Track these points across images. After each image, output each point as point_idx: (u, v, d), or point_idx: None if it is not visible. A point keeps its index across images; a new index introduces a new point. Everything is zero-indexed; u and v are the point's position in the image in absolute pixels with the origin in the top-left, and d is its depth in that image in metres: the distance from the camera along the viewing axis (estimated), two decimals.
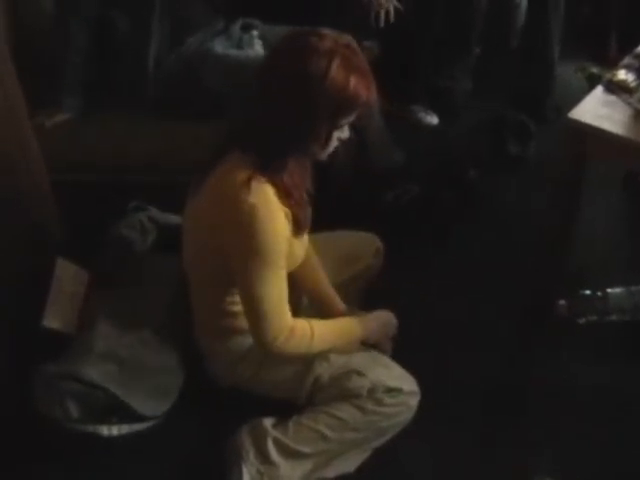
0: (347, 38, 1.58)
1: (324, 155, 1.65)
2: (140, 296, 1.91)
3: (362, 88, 1.53)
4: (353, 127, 1.67)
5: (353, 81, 1.51)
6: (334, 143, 1.62)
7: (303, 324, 1.72)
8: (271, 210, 1.57)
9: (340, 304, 1.97)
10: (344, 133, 1.63)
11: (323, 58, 1.49)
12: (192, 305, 1.85)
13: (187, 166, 2.33)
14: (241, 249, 1.59)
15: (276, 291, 1.63)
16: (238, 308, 1.74)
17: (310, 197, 1.75)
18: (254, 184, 1.54)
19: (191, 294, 1.84)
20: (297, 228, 1.68)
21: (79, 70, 2.45)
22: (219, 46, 2.48)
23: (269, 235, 1.56)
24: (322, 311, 1.95)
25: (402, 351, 1.92)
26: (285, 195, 1.62)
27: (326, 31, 1.56)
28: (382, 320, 1.93)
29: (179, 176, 2.35)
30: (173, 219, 2.10)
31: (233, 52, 2.49)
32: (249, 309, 1.66)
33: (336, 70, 1.49)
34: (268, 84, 1.56)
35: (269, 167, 1.58)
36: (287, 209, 1.63)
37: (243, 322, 1.75)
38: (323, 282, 1.96)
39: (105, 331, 1.83)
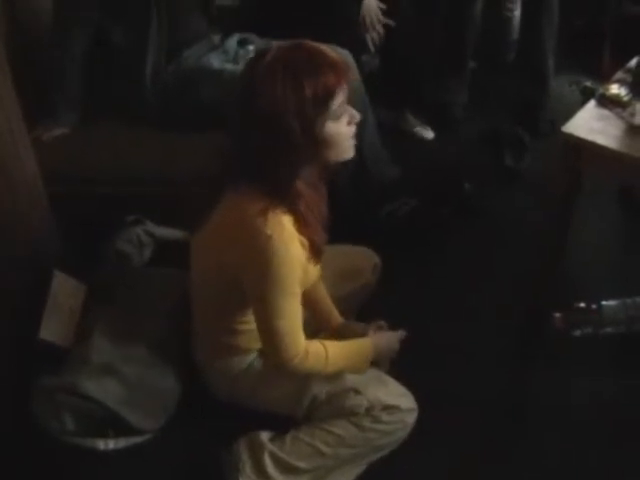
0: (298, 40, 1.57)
1: (345, 150, 1.63)
2: (137, 310, 1.91)
3: (321, 80, 1.49)
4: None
5: (307, 81, 1.48)
6: (345, 131, 1.59)
7: (317, 346, 1.72)
8: (287, 241, 1.56)
9: (338, 317, 1.98)
10: (347, 118, 1.59)
11: (266, 79, 1.48)
12: (194, 320, 1.85)
13: (185, 178, 2.38)
14: (257, 279, 1.60)
15: (292, 318, 1.63)
16: (243, 327, 1.75)
17: (326, 222, 1.74)
18: (271, 215, 1.53)
19: (195, 310, 1.84)
20: (314, 255, 1.68)
21: (76, 84, 2.46)
22: (215, 60, 2.50)
23: (285, 266, 1.56)
24: (320, 323, 1.96)
25: (398, 366, 1.92)
26: (303, 224, 1.61)
27: (274, 45, 1.55)
28: (391, 340, 1.92)
29: (177, 189, 2.40)
30: (170, 233, 2.11)
31: (229, 66, 2.50)
32: (265, 336, 1.67)
33: (282, 83, 1.47)
34: (240, 122, 1.57)
35: (283, 196, 1.56)
36: (304, 237, 1.62)
37: (246, 340, 1.76)
38: (323, 294, 1.96)
39: (102, 345, 1.83)
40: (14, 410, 1.84)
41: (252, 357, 1.80)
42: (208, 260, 1.71)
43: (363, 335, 1.89)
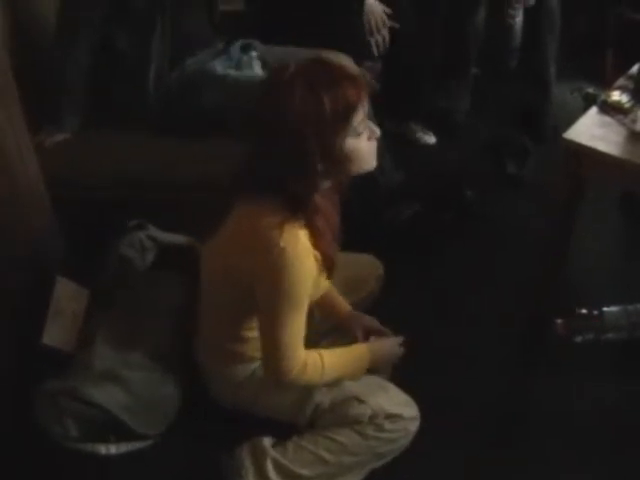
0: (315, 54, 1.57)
1: (367, 163, 1.63)
2: (139, 314, 1.91)
3: (341, 96, 1.49)
4: None
5: (327, 97, 1.48)
6: (365, 147, 1.59)
7: (314, 357, 1.72)
8: (301, 254, 1.55)
9: (346, 306, 1.99)
10: (367, 134, 1.58)
11: (286, 95, 1.48)
12: (200, 326, 1.85)
13: (187, 183, 2.38)
14: (268, 291, 1.60)
15: (295, 331, 1.63)
16: (250, 334, 1.75)
17: (338, 233, 1.73)
18: (287, 228, 1.53)
19: (202, 315, 1.84)
20: (327, 269, 1.68)
21: (80, 89, 2.47)
22: (219, 66, 2.50)
23: (297, 280, 1.56)
24: (330, 315, 1.97)
25: (400, 372, 1.92)
26: (319, 238, 1.61)
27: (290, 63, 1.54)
28: (390, 347, 1.92)
29: (178, 193, 2.40)
30: (173, 238, 2.10)
31: (232, 72, 2.50)
32: (266, 345, 1.67)
33: (301, 100, 1.47)
34: (260, 136, 1.57)
35: (302, 210, 1.56)
36: (318, 251, 1.61)
37: (251, 348, 1.76)
38: (330, 287, 1.95)
39: (104, 350, 1.82)
40: (15, 413, 1.84)
41: (256, 365, 1.80)
42: (219, 267, 1.71)
43: (368, 329, 1.92)
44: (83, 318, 1.97)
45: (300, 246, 1.55)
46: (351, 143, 1.55)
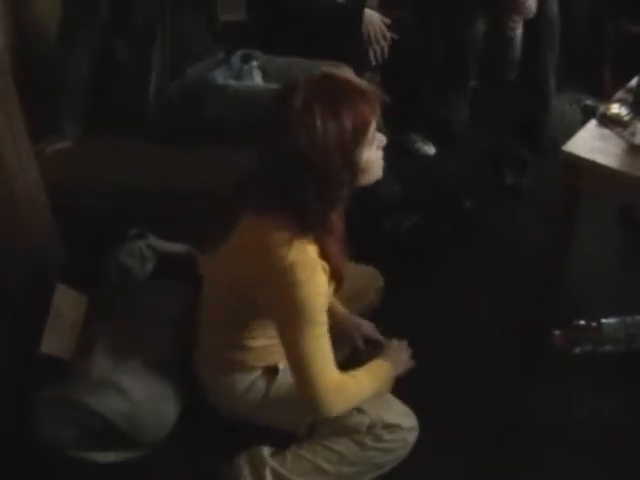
0: (322, 66, 1.58)
1: (376, 173, 1.64)
2: (139, 323, 1.92)
3: (358, 111, 1.50)
4: None
5: (345, 113, 1.49)
6: (376, 156, 1.61)
7: (348, 377, 1.71)
8: (311, 268, 1.55)
9: (341, 309, 2.00)
10: (377, 144, 1.60)
11: (304, 114, 1.48)
12: (200, 335, 1.85)
13: (187, 193, 2.39)
14: (282, 309, 1.59)
15: (321, 348, 1.61)
16: (251, 344, 1.75)
17: (346, 247, 1.73)
18: (296, 243, 1.53)
19: (203, 324, 1.84)
20: (336, 282, 1.68)
21: (81, 98, 2.47)
22: (219, 76, 2.51)
23: (310, 295, 1.55)
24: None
25: (399, 383, 1.92)
26: (329, 255, 1.60)
27: (298, 79, 1.54)
28: (404, 359, 1.93)
29: (179, 202, 2.40)
30: (172, 247, 2.11)
31: (233, 82, 2.51)
32: (297, 370, 1.64)
33: (322, 118, 1.47)
34: (275, 156, 1.55)
35: (316, 228, 1.57)
36: (327, 265, 1.61)
37: (252, 358, 1.77)
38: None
39: (103, 359, 1.83)
40: (15, 419, 1.84)
41: (255, 375, 1.80)
42: (223, 278, 1.71)
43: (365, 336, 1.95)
44: (82, 326, 1.97)
45: (309, 261, 1.55)
46: (366, 153, 1.57)
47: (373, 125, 1.55)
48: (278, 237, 1.54)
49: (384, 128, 1.81)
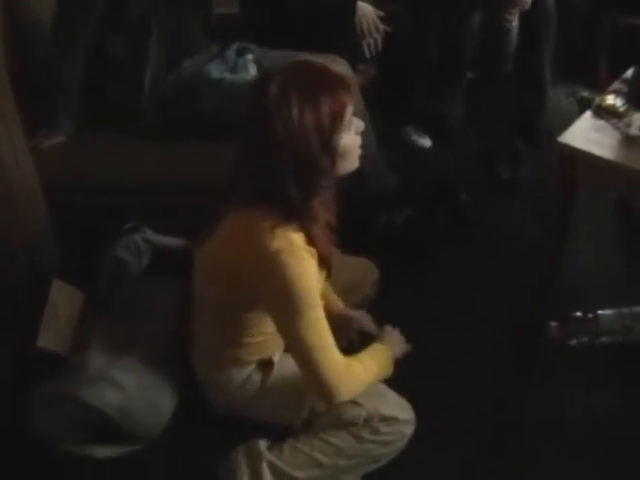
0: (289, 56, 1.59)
1: (354, 161, 1.64)
2: (135, 318, 1.91)
3: (334, 95, 1.52)
4: None
5: (322, 98, 1.51)
6: (355, 142, 1.61)
7: (352, 359, 1.71)
8: (298, 253, 1.55)
9: (339, 303, 1.99)
10: (355, 129, 1.60)
11: (281, 102, 1.49)
12: (195, 330, 1.85)
13: (184, 188, 2.39)
14: (275, 298, 1.59)
15: (321, 332, 1.61)
16: (245, 339, 1.74)
17: (334, 234, 1.72)
18: (280, 230, 1.54)
19: (197, 319, 1.83)
20: (326, 271, 1.68)
21: (76, 93, 2.47)
22: (215, 70, 2.51)
23: (301, 278, 1.54)
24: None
25: (395, 377, 1.93)
26: (314, 241, 1.60)
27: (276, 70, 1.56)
28: (400, 342, 1.92)
29: (176, 198, 2.41)
30: (168, 241, 2.10)
31: (228, 76, 2.51)
32: (302, 359, 1.63)
33: (299, 104, 1.49)
34: (257, 145, 1.57)
35: (300, 215, 1.57)
36: (314, 251, 1.61)
37: (246, 353, 1.76)
38: (324, 285, 1.95)
39: (99, 354, 1.82)
40: (13, 414, 1.84)
41: (250, 369, 1.80)
42: (213, 271, 1.71)
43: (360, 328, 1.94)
44: (78, 320, 1.97)
45: (293, 247, 1.55)
46: (344, 138, 1.57)
47: (350, 109, 1.56)
48: (262, 226, 1.54)
49: (369, 119, 1.80)
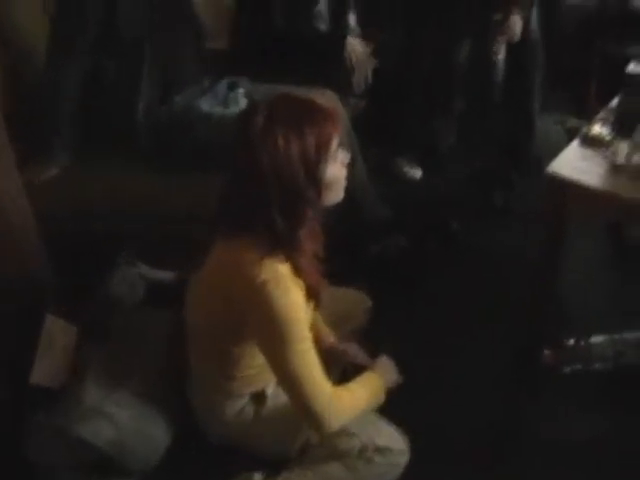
0: (280, 90, 1.61)
1: (340, 193, 1.66)
2: (129, 352, 1.92)
3: (319, 127, 1.54)
4: None
5: (307, 129, 1.52)
6: (341, 173, 1.63)
7: (341, 388, 1.71)
8: (284, 284, 1.56)
9: (330, 337, 2.00)
10: (340, 160, 1.62)
11: (266, 134, 1.51)
12: (189, 363, 1.85)
13: (177, 216, 2.40)
14: (263, 330, 1.60)
15: (309, 363, 1.61)
16: (238, 372, 1.74)
17: (322, 265, 1.73)
18: (266, 262, 1.55)
19: (191, 352, 1.83)
20: (313, 299, 1.68)
21: (70, 122, 2.48)
22: (205, 104, 2.53)
23: (287, 311, 1.55)
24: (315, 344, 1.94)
25: (388, 403, 1.93)
26: (301, 272, 1.61)
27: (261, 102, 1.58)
28: (392, 372, 1.92)
29: (169, 226, 2.42)
30: (161, 275, 2.12)
31: (219, 110, 2.53)
32: (290, 390, 1.64)
33: (284, 136, 1.51)
34: (242, 176, 1.58)
35: (286, 246, 1.58)
36: (301, 282, 1.62)
37: (239, 386, 1.76)
38: (315, 317, 1.94)
39: (94, 387, 1.83)
40: (10, 444, 1.84)
41: (244, 401, 1.80)
42: (204, 302, 1.72)
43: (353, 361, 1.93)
44: (73, 354, 1.97)
45: (280, 277, 1.56)
46: (330, 169, 1.59)
47: (336, 141, 1.58)
48: (249, 257, 1.55)
49: (366, 150, 1.82)
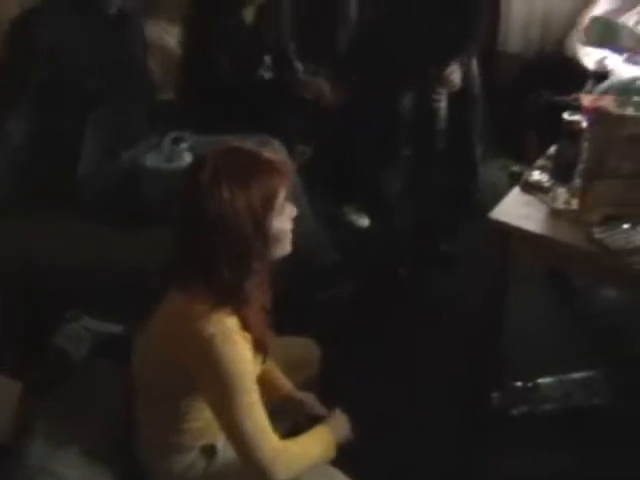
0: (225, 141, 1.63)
1: (287, 245, 1.67)
2: (77, 407, 1.89)
3: (266, 179, 1.56)
4: None
5: (253, 181, 1.54)
6: (287, 227, 1.64)
7: (289, 441, 1.70)
8: (231, 338, 1.56)
9: (288, 386, 1.98)
10: (287, 214, 1.63)
11: (212, 186, 1.52)
12: (138, 418, 1.82)
13: (124, 271, 2.39)
14: (210, 383, 1.59)
15: (256, 416, 1.60)
16: (186, 425, 1.72)
17: (269, 316, 1.74)
18: (214, 315, 1.55)
19: (138, 407, 1.81)
20: (260, 352, 1.69)
21: (11, 172, 2.46)
22: (150, 160, 2.56)
23: (234, 363, 1.55)
24: (271, 395, 1.89)
25: (344, 456, 1.92)
26: (248, 325, 1.62)
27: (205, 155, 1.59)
28: (344, 426, 1.90)
29: (116, 281, 2.40)
30: (108, 327, 2.10)
31: (163, 165, 2.56)
32: (237, 442, 1.63)
33: (230, 189, 1.52)
34: (188, 229, 1.59)
35: (232, 298, 1.58)
36: (249, 335, 1.62)
37: (188, 438, 1.74)
38: (271, 367, 1.95)
39: (41, 446, 1.79)
40: None
41: (194, 455, 1.77)
42: (151, 355, 1.71)
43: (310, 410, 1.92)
44: (17, 410, 1.93)
45: (228, 332, 1.56)
46: (277, 222, 1.60)
47: (282, 194, 1.60)
48: (196, 310, 1.56)
49: (313, 197, 1.83)
